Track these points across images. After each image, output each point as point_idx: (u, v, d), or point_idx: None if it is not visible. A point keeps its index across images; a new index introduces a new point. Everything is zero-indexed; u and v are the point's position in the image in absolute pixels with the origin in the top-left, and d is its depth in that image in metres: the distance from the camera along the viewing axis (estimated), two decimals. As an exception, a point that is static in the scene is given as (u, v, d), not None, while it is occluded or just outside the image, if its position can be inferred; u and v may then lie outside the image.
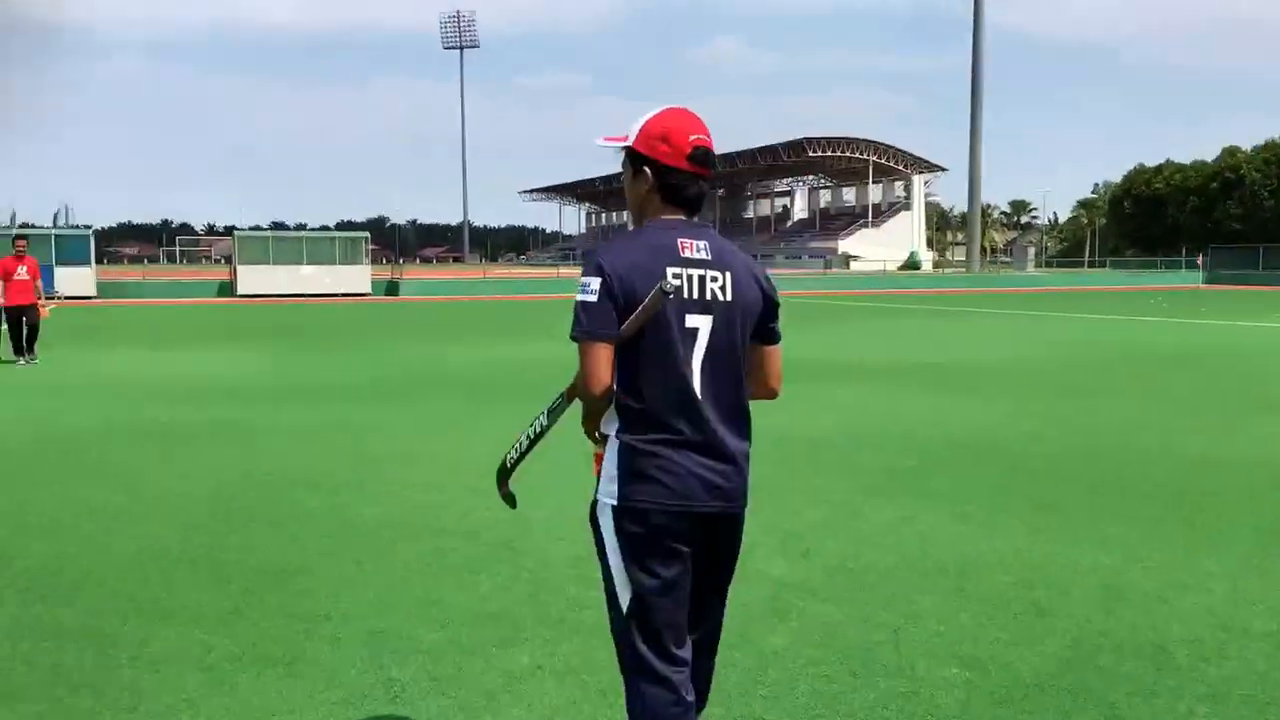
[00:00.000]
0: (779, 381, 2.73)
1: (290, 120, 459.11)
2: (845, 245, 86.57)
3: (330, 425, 9.38)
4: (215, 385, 12.40)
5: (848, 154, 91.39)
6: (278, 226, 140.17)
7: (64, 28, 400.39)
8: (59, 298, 27.85)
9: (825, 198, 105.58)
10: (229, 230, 43.68)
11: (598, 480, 2.59)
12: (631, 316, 2.42)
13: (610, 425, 2.55)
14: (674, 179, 2.54)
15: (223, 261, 47.96)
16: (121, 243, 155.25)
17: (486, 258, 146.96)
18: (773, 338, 2.68)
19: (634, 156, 2.58)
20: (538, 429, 2.81)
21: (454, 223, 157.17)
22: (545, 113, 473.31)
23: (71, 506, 6.32)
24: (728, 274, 2.54)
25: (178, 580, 4.92)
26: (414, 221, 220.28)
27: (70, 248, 36.45)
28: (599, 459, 2.59)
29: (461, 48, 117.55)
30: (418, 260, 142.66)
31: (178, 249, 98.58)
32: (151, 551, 5.38)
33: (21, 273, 14.69)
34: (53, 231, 38.15)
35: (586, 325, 2.44)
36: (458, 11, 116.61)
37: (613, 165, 2.75)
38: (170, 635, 4.22)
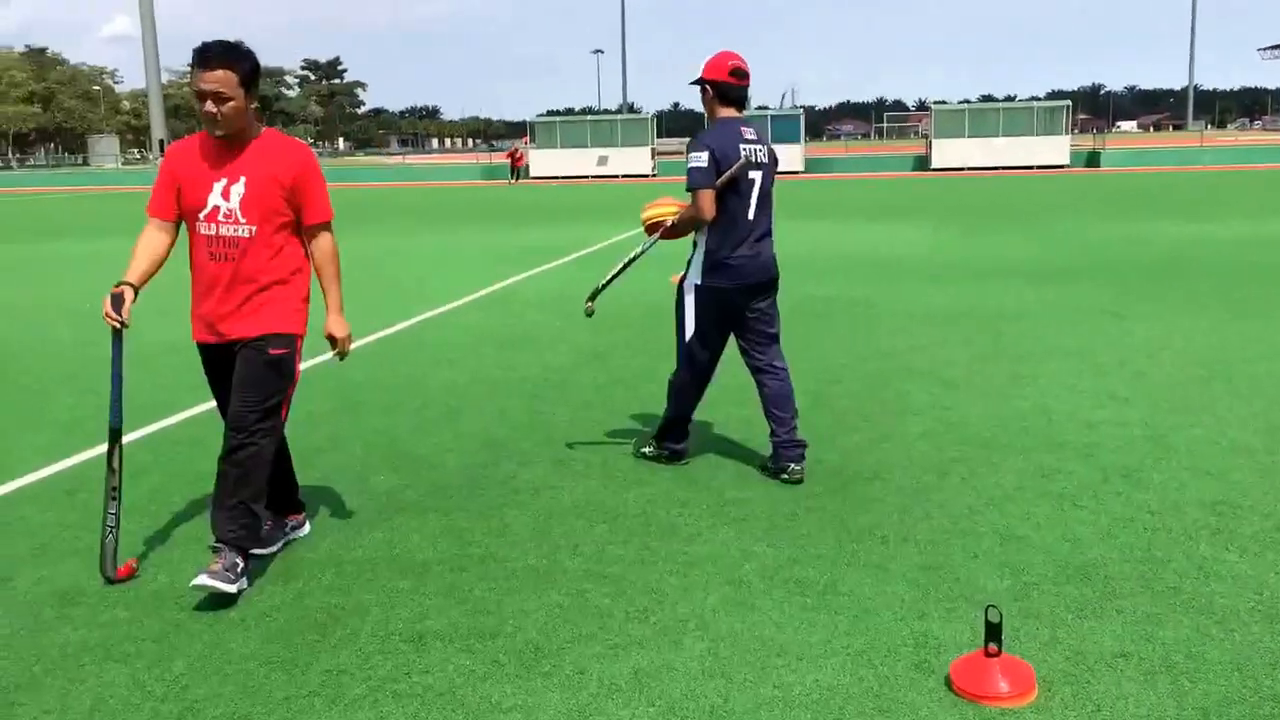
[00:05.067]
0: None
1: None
2: None
3: (966, 310, 8.70)
4: (870, 258, 12.33)
5: None
6: (986, 99, 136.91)
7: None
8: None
9: None
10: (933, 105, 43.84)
11: (687, 269, 4.47)
12: (725, 175, 4.26)
13: (700, 238, 4.41)
14: (723, 89, 4.40)
15: (924, 136, 48.46)
16: (839, 120, 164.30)
17: (1213, 124, 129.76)
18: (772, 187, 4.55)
19: (701, 83, 4.42)
20: (631, 256, 4.67)
21: (1178, 87, 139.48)
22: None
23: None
24: (764, 148, 4.45)
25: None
26: (1132, 88, 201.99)
27: (782, 127, 39.13)
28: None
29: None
30: (1135, 127, 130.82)
31: (885, 125, 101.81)
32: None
33: None
34: (769, 113, 41.21)
35: (702, 180, 4.26)
36: None
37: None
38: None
